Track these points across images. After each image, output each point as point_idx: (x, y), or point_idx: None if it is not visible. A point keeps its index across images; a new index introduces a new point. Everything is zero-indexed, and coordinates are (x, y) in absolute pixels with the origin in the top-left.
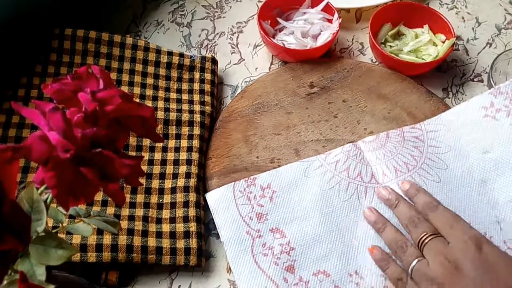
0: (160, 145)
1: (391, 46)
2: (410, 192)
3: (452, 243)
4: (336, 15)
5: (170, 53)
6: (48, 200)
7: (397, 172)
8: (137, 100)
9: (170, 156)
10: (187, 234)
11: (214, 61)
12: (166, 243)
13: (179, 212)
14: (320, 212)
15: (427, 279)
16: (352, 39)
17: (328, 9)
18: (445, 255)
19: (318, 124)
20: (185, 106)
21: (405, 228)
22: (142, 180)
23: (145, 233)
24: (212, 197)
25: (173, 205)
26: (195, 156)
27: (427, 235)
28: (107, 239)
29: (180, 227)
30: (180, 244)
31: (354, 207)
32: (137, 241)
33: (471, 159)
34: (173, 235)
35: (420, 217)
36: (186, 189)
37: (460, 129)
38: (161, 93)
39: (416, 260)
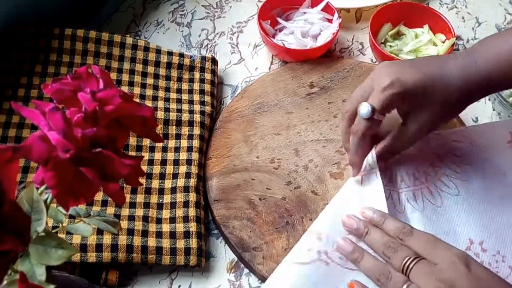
0: (160, 145)
1: (391, 46)
2: (376, 219)
3: (440, 264)
4: (336, 15)
5: (170, 53)
6: (48, 200)
7: (416, 181)
8: (137, 100)
9: (170, 156)
10: (187, 234)
11: (214, 61)
12: (166, 243)
13: (179, 212)
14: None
15: None
16: (352, 39)
17: (328, 9)
18: (435, 276)
19: (318, 124)
20: (185, 106)
21: (382, 256)
22: (142, 180)
23: (145, 233)
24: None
25: (173, 205)
26: (195, 156)
27: (410, 259)
28: (107, 239)
29: (180, 227)
30: (180, 244)
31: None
32: (137, 241)
33: (490, 178)
34: (173, 235)
35: (396, 241)
36: (186, 189)
37: (485, 146)
38: (161, 93)
39: (405, 286)
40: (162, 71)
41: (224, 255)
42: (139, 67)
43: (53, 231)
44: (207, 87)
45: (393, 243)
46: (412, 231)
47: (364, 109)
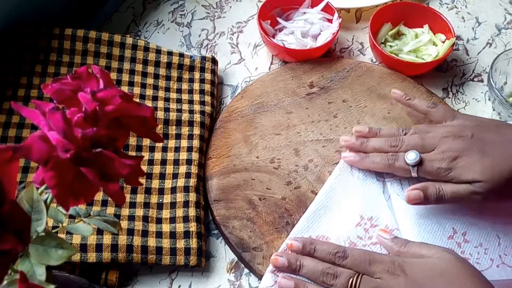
0: (160, 145)
1: (391, 46)
2: (306, 247)
3: (382, 278)
4: (336, 15)
5: (170, 53)
6: (48, 200)
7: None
8: (137, 100)
9: (170, 156)
10: (187, 234)
11: (214, 61)
12: (166, 243)
13: (179, 212)
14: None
15: None
16: (352, 39)
17: (328, 9)
18: None
19: (318, 124)
20: (185, 106)
21: (323, 286)
22: (142, 180)
23: (145, 233)
24: None
25: (173, 205)
26: (195, 156)
27: (353, 279)
28: (107, 239)
29: (180, 227)
30: (180, 244)
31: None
32: (137, 241)
33: None
34: (173, 235)
35: (331, 267)
36: (186, 189)
37: None
38: (161, 93)
39: None
40: (162, 71)
41: (224, 255)
42: (139, 67)
43: (53, 231)
44: (207, 87)
45: (330, 269)
46: (345, 252)
47: (412, 156)
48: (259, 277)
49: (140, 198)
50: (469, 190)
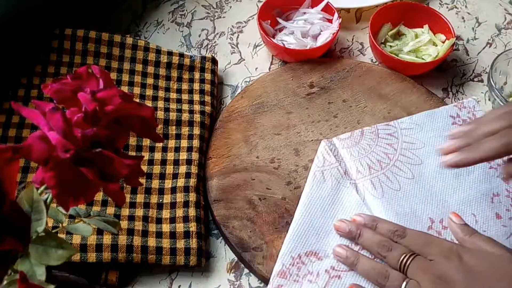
0: (160, 145)
1: (391, 46)
2: (368, 224)
3: (435, 260)
4: (336, 15)
5: (170, 53)
6: (48, 200)
7: (371, 169)
8: (137, 100)
9: (170, 156)
10: (187, 234)
11: (214, 61)
12: (166, 243)
13: (179, 212)
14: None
15: None
16: (352, 39)
17: (328, 9)
18: (432, 272)
19: (318, 124)
20: (185, 106)
21: (377, 256)
22: (142, 180)
23: (145, 233)
24: None
25: (173, 205)
26: (195, 156)
27: (406, 256)
28: (107, 239)
29: (180, 227)
30: (180, 244)
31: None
32: (137, 241)
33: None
34: (173, 235)
35: (389, 240)
36: (186, 189)
37: (433, 130)
38: (161, 93)
39: (404, 283)
40: (162, 71)
41: (224, 255)
42: (139, 67)
43: (53, 231)
44: (207, 87)
45: (387, 241)
46: (404, 231)
47: None
48: (259, 277)
49: (140, 198)
50: None
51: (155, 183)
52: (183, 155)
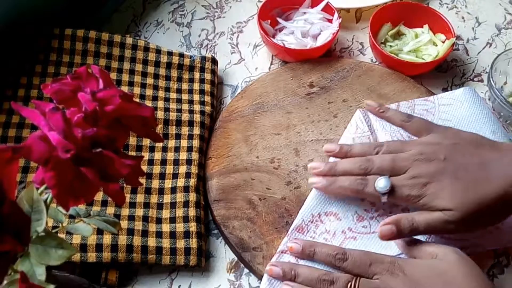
0: (160, 145)
1: (391, 46)
2: (306, 251)
3: (381, 279)
4: (336, 15)
5: (170, 53)
6: (48, 200)
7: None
8: (137, 100)
9: (170, 156)
10: (187, 234)
11: (214, 61)
12: (166, 243)
13: (179, 212)
14: None
15: None
16: (352, 39)
17: (328, 9)
18: None
19: (318, 124)
20: (185, 106)
21: None
22: (142, 180)
23: (145, 233)
24: None
25: (173, 205)
26: (195, 156)
27: (351, 284)
28: (107, 239)
29: (180, 227)
30: (180, 244)
31: None
32: (137, 241)
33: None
34: (173, 235)
35: (328, 273)
36: (186, 189)
37: (472, 107)
38: (161, 93)
39: None
40: (162, 71)
41: (224, 255)
42: (139, 67)
43: (53, 231)
44: (207, 87)
45: (326, 275)
46: (345, 253)
47: (382, 183)
48: (259, 277)
49: (140, 198)
50: (441, 219)
51: (155, 183)
52: (183, 155)
